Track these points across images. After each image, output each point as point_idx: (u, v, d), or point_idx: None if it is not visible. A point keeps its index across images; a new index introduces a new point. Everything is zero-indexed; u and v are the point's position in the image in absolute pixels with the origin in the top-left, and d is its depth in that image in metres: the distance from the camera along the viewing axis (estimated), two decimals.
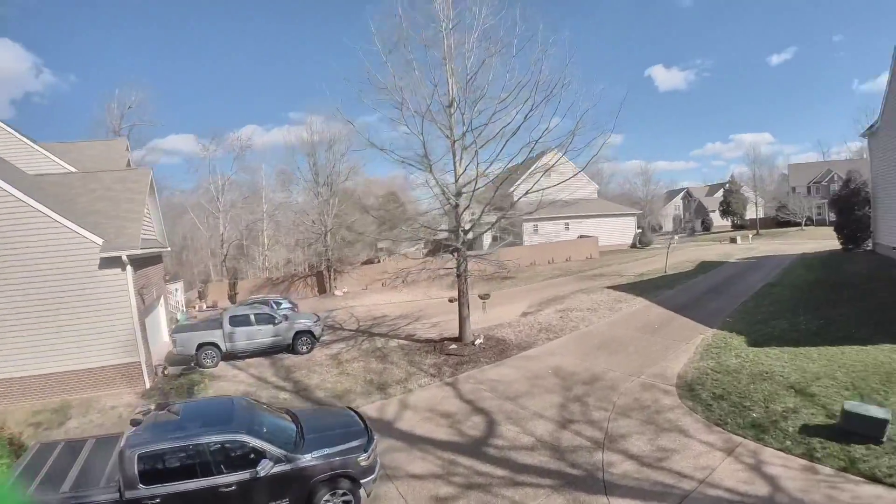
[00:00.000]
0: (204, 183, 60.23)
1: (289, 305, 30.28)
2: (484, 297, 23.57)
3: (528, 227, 57.07)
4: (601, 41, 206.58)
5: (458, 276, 21.06)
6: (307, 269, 53.97)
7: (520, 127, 19.41)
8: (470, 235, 21.01)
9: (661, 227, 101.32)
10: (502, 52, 19.73)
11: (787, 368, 15.41)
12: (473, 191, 20.40)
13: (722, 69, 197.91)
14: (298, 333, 22.35)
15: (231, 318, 21.98)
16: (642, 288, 30.43)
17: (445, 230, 22.11)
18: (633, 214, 62.29)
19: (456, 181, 20.41)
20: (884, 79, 26.98)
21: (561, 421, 13.49)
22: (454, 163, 20.42)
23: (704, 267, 37.89)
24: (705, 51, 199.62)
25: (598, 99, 19.54)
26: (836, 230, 38.46)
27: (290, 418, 11.45)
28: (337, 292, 42.72)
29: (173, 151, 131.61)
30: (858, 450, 10.75)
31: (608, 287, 31.87)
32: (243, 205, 61.13)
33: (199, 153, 60.89)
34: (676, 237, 68.13)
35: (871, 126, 32.24)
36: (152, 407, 11.21)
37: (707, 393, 14.38)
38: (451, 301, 22.59)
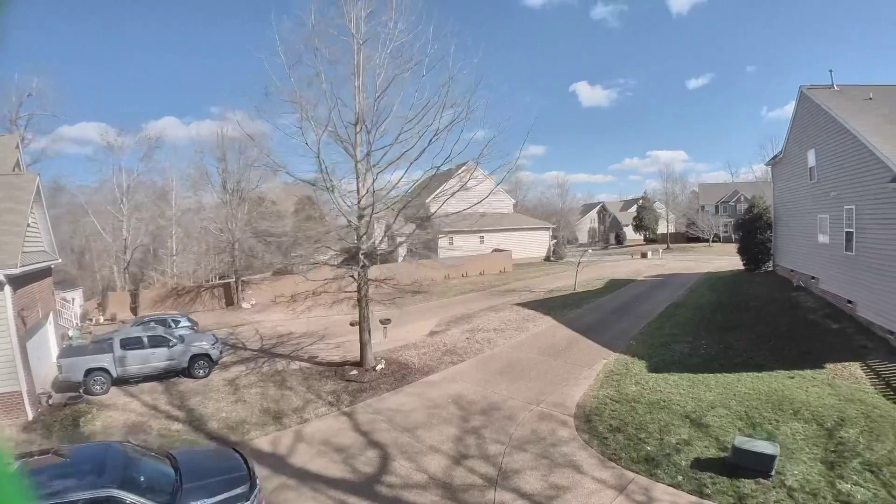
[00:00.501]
0: (109, 181, 53.81)
1: (187, 324, 28.34)
2: (385, 321, 22.76)
3: (443, 240, 56.78)
4: (531, 55, 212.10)
5: (359, 300, 20.15)
6: (217, 279, 51.32)
7: (424, 151, 19.04)
8: (366, 262, 20.07)
9: (576, 240, 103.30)
10: (413, 70, 19.16)
11: (684, 397, 15.36)
12: (371, 214, 19.54)
13: (643, 89, 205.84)
14: (194, 357, 20.78)
15: (122, 340, 20.13)
16: (551, 306, 30.43)
17: (348, 249, 21.04)
18: (547, 228, 63.05)
19: (358, 203, 19.48)
20: (790, 108, 28.75)
21: (456, 456, 12.93)
22: (357, 184, 19.49)
23: (613, 285, 38.38)
24: (628, 71, 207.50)
25: (507, 122, 19.34)
26: (739, 252, 40.06)
27: (169, 463, 10.50)
28: (245, 305, 40.63)
29: (84, 140, 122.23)
30: (748, 485, 10.68)
31: (518, 304, 31.72)
32: (151, 207, 56.29)
33: (107, 146, 54.02)
34: (590, 250, 69.47)
35: (775, 157, 34.12)
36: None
37: (604, 424, 14.09)
38: (352, 325, 21.67)
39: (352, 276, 20.07)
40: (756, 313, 24.19)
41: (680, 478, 11.27)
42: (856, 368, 16.65)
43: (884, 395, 14.65)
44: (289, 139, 19.16)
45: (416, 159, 19.33)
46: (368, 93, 19.17)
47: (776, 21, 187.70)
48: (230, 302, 41.70)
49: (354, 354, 21.22)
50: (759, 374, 16.55)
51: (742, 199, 75.41)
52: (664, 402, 15.17)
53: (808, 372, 16.49)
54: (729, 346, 19.79)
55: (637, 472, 11.63)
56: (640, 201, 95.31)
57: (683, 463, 11.82)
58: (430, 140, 18.85)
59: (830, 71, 29.65)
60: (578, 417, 14.73)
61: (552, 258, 59.10)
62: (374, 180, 19.58)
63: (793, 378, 16.08)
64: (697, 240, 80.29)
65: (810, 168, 26.95)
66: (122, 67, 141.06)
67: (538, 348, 21.70)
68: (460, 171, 62.09)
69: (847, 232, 22.31)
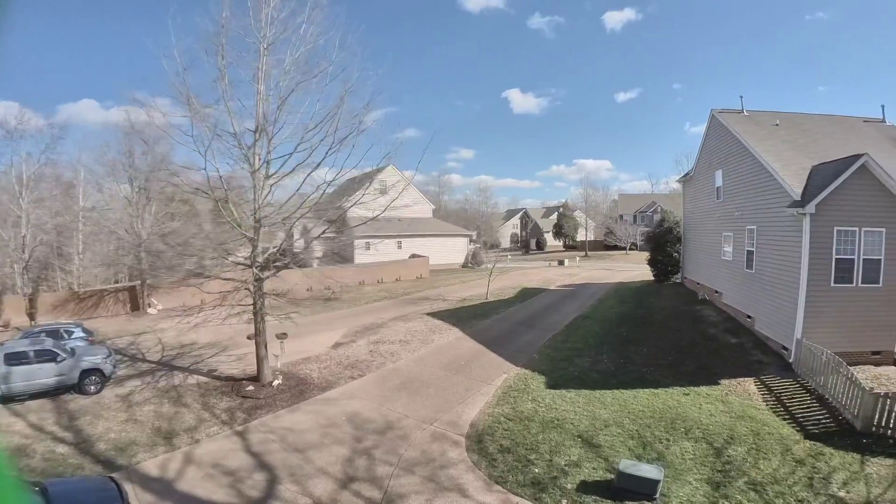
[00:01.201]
0: (7, 170, 48.54)
1: (82, 335, 25.85)
2: (281, 336, 21.54)
3: (359, 244, 55.64)
4: (466, 59, 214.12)
5: (254, 313, 18.95)
6: (125, 282, 47.99)
7: (320, 163, 18.30)
8: (261, 274, 18.75)
9: (499, 245, 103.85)
10: (319, 77, 18.26)
11: (579, 415, 14.97)
12: (259, 223, 18.38)
13: (573, 99, 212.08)
14: (85, 372, 18.76)
15: (5, 356, 18.06)
16: (460, 316, 29.74)
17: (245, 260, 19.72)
18: (466, 235, 62.80)
19: (254, 214, 18.25)
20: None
21: (344, 479, 12.09)
22: (254, 195, 18.23)
23: (525, 294, 38.12)
24: (560, 81, 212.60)
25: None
26: (649, 263, 40.73)
27: (40, 495, 9.41)
28: (151, 310, 38.05)
29: None
30: None
31: (428, 314, 30.86)
32: (55, 202, 51.15)
33: (7, 133, 47.90)
34: (509, 256, 69.84)
35: (686, 174, 34.89)
36: None
37: (495, 445, 13.51)
38: (248, 338, 20.40)
39: (247, 289, 18.83)
40: (659, 327, 24.36)
41: (564, 501, 10.84)
42: (750, 384, 16.82)
43: (773, 412, 14.76)
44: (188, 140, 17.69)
45: (313, 170, 18.45)
46: (272, 99, 18.12)
47: (702, 42, 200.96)
48: (136, 307, 38.93)
49: (254, 368, 19.83)
50: (656, 391, 16.43)
51: (659, 209, 77.65)
52: (558, 420, 14.75)
53: (704, 388, 16.48)
54: (629, 360, 19.71)
55: (522, 497, 11.16)
56: (561, 209, 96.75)
57: (570, 486, 11.39)
58: (327, 152, 18.15)
59: (741, 97, 30.76)
60: (470, 437, 14.09)
61: (471, 264, 58.78)
62: (270, 191, 18.50)
63: (688, 395, 16.00)
64: (615, 248, 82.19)
65: (717, 187, 27.66)
66: (32, 32, 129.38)
67: (441, 363, 20.90)
68: (380, 175, 61.43)
69: (748, 251, 22.89)
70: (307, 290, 41.45)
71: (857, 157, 17.74)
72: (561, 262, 61.60)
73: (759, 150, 21.91)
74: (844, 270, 17.98)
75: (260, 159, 18.17)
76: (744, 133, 23.92)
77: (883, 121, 27.30)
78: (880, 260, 17.93)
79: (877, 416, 13.06)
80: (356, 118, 18.21)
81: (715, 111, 28.27)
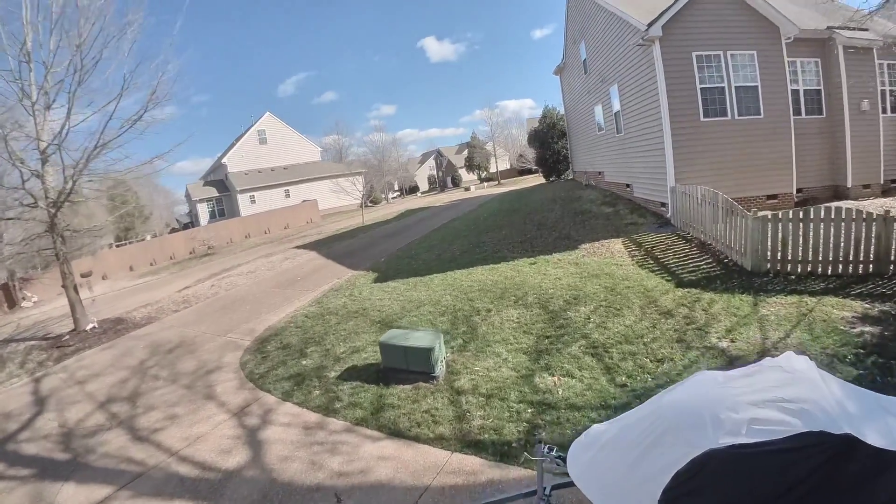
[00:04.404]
0: None
1: None
2: (86, 274, 18.20)
3: (244, 198, 51.37)
4: (378, 14, 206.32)
5: (57, 257, 16.39)
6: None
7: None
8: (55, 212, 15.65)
9: (417, 188, 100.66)
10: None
11: (392, 301, 12.04)
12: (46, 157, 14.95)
13: (490, 42, 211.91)
14: None
15: None
16: (325, 243, 27.09)
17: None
18: (359, 173, 58.37)
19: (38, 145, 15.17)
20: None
21: (104, 401, 10.03)
22: (35, 123, 15.08)
23: (405, 215, 36.05)
24: (476, 25, 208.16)
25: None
26: (536, 164, 37.86)
27: None
28: (26, 303, 33.29)
29: None
30: (398, 393, 7.51)
31: (296, 247, 27.80)
32: None
33: None
34: (419, 194, 66.36)
35: (559, 65, 31.68)
36: None
37: (276, 343, 10.98)
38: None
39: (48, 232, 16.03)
40: (528, 212, 21.52)
41: (316, 392, 8.06)
42: (616, 244, 13.83)
43: (640, 266, 11.76)
44: None
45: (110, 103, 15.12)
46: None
47: None
48: (12, 303, 34.06)
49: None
50: (496, 266, 13.40)
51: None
52: (364, 309, 11.84)
53: (557, 255, 13.46)
54: (480, 245, 16.68)
55: (270, 392, 8.51)
56: (471, 142, 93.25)
57: (333, 374, 8.53)
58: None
59: None
60: (259, 340, 11.68)
61: (369, 204, 55.07)
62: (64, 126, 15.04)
63: (534, 264, 12.95)
64: (529, 171, 79.27)
65: (584, 61, 24.52)
66: None
67: (277, 282, 18.10)
68: (258, 124, 56.17)
69: (616, 113, 20.00)
70: (190, 252, 38.18)
71: None
72: (467, 189, 58.60)
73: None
74: (715, 102, 15.17)
75: (37, 90, 14.98)
76: None
77: None
78: (757, 87, 15.18)
79: (769, 247, 10.17)
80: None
81: None
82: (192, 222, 58.46)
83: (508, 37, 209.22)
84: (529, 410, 6.60)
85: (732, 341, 7.76)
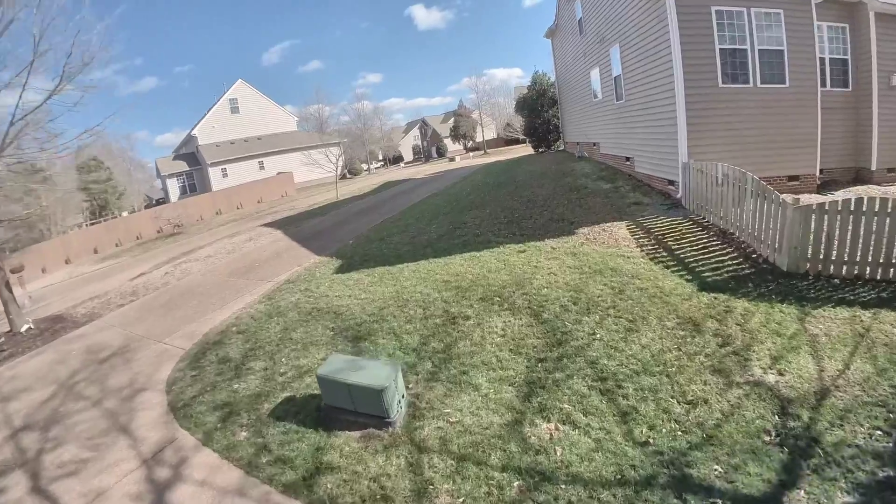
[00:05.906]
0: None
1: None
2: (17, 270, 16.26)
3: (215, 171, 48.74)
4: None
5: None
6: None
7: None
8: None
9: (402, 158, 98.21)
10: None
11: (352, 300, 9.99)
12: None
13: (479, 9, 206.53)
14: None
15: None
16: (295, 220, 24.98)
17: None
18: (336, 143, 55.31)
19: None
20: None
21: (20, 427, 8.10)
22: None
23: (383, 188, 33.76)
24: None
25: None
26: (525, 134, 35.66)
27: None
28: None
29: None
30: (341, 445, 5.70)
31: (263, 225, 25.78)
32: None
33: None
34: (402, 164, 63.88)
35: (550, 27, 29.11)
36: None
37: (212, 355, 8.98)
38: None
39: None
40: (515, 188, 19.39)
41: (243, 435, 6.17)
42: (620, 229, 11.81)
43: (651, 259, 9.81)
44: None
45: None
46: None
47: None
48: None
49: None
50: (478, 254, 11.36)
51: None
52: (319, 310, 9.81)
53: (550, 242, 11.43)
54: (461, 226, 14.61)
55: (190, 431, 6.65)
56: (457, 111, 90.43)
57: (266, 407, 6.65)
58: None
59: None
60: (196, 347, 9.75)
61: (349, 175, 52.61)
62: None
63: (523, 252, 10.95)
64: (516, 141, 76.82)
65: (579, 20, 22.11)
66: None
67: (232, 269, 16.08)
68: (229, 92, 53.16)
69: (616, 78, 17.80)
70: (157, 231, 36.15)
71: None
72: (452, 159, 56.29)
73: None
74: (736, 66, 13.08)
75: None
76: None
77: None
78: (783, 51, 13.13)
79: (811, 244, 8.29)
80: None
81: None
82: (164, 198, 56.04)
83: (498, 2, 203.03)
84: (516, 483, 4.78)
85: (780, 374, 5.93)
